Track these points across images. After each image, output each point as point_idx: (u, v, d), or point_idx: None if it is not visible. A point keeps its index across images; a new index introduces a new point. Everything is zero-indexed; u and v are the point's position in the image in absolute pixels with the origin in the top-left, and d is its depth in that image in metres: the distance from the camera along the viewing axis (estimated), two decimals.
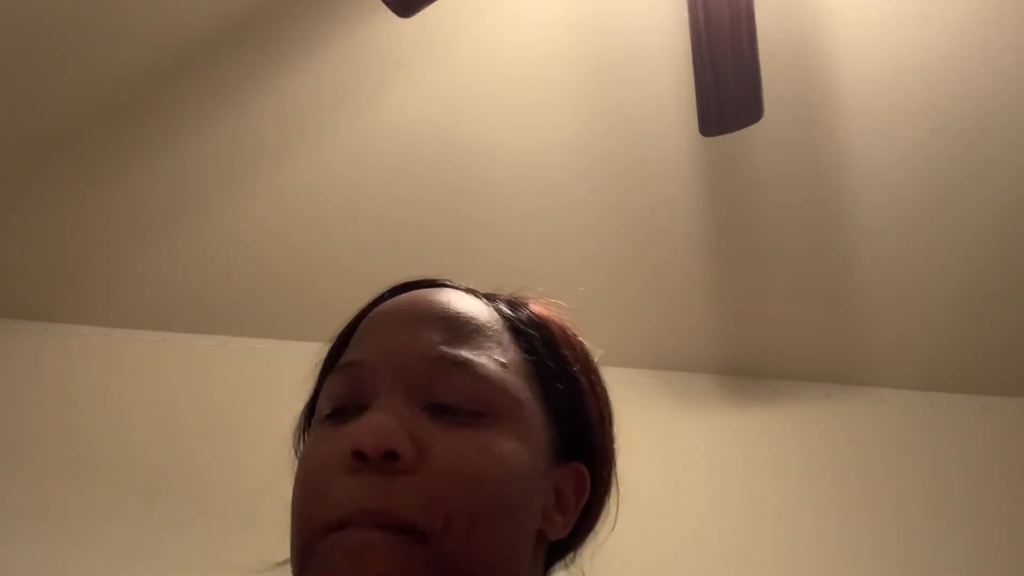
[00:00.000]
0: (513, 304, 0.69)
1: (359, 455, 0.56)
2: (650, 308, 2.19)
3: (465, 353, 0.61)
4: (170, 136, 2.06)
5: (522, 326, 0.67)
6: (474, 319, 0.64)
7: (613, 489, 0.72)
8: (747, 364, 2.26)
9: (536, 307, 0.71)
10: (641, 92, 1.93)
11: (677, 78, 1.86)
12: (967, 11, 1.79)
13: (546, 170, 2.03)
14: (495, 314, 0.66)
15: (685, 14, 1.53)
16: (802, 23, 1.82)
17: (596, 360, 0.72)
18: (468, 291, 0.69)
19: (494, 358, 0.62)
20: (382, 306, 0.67)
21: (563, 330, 0.70)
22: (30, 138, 2.09)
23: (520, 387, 0.63)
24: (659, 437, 2.13)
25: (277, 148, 2.07)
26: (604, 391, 0.71)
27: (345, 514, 0.55)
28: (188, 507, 1.95)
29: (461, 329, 0.63)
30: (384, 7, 1.50)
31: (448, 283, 0.70)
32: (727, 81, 1.53)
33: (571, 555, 0.70)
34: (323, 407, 0.63)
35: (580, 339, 0.72)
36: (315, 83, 1.97)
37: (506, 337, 0.65)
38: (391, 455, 0.56)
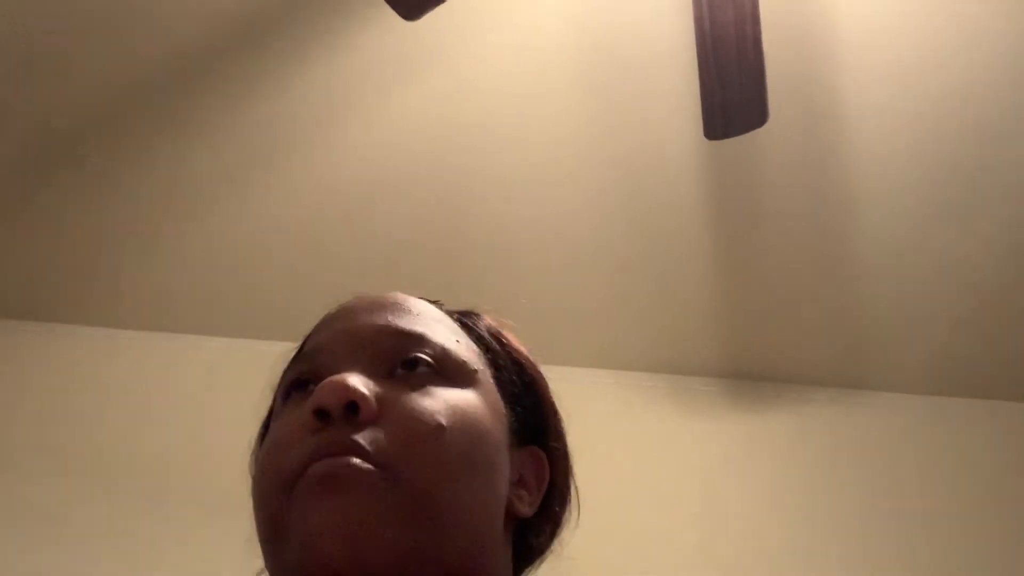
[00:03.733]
0: (459, 311, 0.72)
1: (321, 412, 0.56)
2: (654, 312, 2.19)
3: (419, 328, 0.64)
4: (175, 137, 2.06)
5: (470, 323, 0.70)
6: (422, 307, 0.68)
7: (573, 491, 0.73)
8: (751, 368, 2.25)
9: (484, 316, 0.74)
10: (646, 95, 1.93)
11: (682, 81, 1.86)
12: (975, 18, 1.78)
13: (550, 173, 2.03)
14: (445, 313, 0.70)
15: (690, 18, 1.53)
16: (808, 27, 1.82)
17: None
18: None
19: (447, 335, 0.65)
20: (334, 309, 0.70)
21: (510, 335, 0.73)
22: (33, 139, 2.09)
23: (475, 361, 0.65)
24: (662, 440, 2.13)
25: (282, 150, 2.07)
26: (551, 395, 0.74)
27: (307, 458, 0.55)
28: (192, 509, 1.95)
29: (412, 312, 0.66)
30: (390, 10, 1.50)
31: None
32: (732, 85, 1.53)
33: (547, 551, 0.71)
34: (281, 396, 0.65)
35: (526, 350, 0.74)
36: (320, 86, 1.97)
37: (457, 328, 0.68)
38: (352, 408, 0.56)
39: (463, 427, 0.59)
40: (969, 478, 2.08)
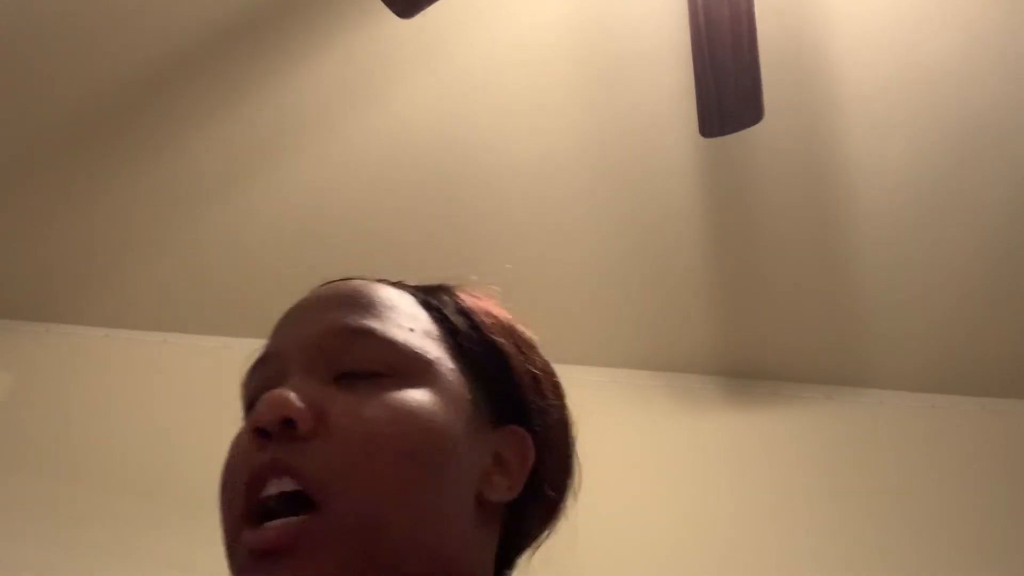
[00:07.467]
0: (428, 287, 0.70)
1: (260, 431, 0.57)
2: (650, 309, 2.19)
3: (367, 322, 0.63)
4: (171, 137, 2.06)
5: (433, 300, 0.68)
6: (377, 294, 0.65)
7: (575, 460, 0.71)
8: (747, 365, 2.26)
9: (457, 291, 0.71)
10: (642, 93, 1.93)
11: (678, 79, 1.86)
12: (969, 15, 1.79)
13: (546, 171, 2.04)
14: (403, 292, 0.68)
15: (686, 15, 1.53)
16: (803, 25, 1.82)
17: (527, 334, 0.72)
18: (378, 280, 0.69)
19: (399, 323, 0.63)
20: (293, 305, 0.69)
21: (482, 303, 0.71)
22: (30, 139, 2.09)
23: (430, 348, 0.63)
24: (659, 438, 2.13)
25: (278, 149, 2.07)
26: (540, 358, 0.71)
27: (247, 480, 0.56)
28: (187, 509, 1.95)
29: (363, 303, 0.64)
30: (385, 8, 1.50)
31: (357, 277, 0.71)
32: (727, 82, 1.54)
33: (542, 534, 0.70)
34: (245, 406, 0.66)
35: (505, 314, 0.71)
36: (315, 84, 1.97)
37: (415, 308, 0.66)
38: (289, 423, 0.56)
39: (408, 431, 0.58)
40: (966, 475, 2.08)
